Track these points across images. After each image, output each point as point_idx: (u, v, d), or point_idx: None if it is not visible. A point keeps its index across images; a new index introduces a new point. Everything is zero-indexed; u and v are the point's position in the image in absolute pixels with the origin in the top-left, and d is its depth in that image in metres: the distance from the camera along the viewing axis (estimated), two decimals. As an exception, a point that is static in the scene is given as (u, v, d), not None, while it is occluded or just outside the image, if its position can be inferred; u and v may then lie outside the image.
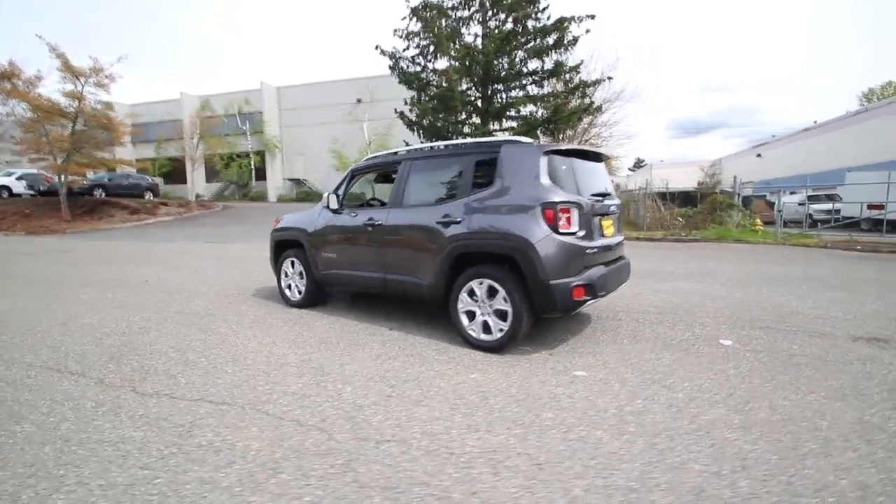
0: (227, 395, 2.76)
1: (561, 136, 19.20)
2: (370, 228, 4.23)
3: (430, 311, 4.79)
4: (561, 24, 17.25)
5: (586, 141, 26.56)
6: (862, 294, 5.67)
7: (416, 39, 18.60)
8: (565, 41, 17.51)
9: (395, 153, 4.37)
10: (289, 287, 5.17)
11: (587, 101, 18.11)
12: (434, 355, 3.47)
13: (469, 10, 19.22)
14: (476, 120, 19.78)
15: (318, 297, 5.01)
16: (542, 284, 3.22)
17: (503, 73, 18.32)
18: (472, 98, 18.92)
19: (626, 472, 1.97)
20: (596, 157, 3.91)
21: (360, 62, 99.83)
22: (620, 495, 1.81)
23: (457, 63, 16.64)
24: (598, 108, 18.93)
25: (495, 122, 19.39)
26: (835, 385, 2.89)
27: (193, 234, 15.90)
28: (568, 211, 3.27)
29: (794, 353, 3.52)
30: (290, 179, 34.01)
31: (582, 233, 3.38)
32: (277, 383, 2.96)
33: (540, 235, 3.23)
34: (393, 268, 4.11)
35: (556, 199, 3.28)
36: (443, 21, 17.27)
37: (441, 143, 4.07)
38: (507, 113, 19.62)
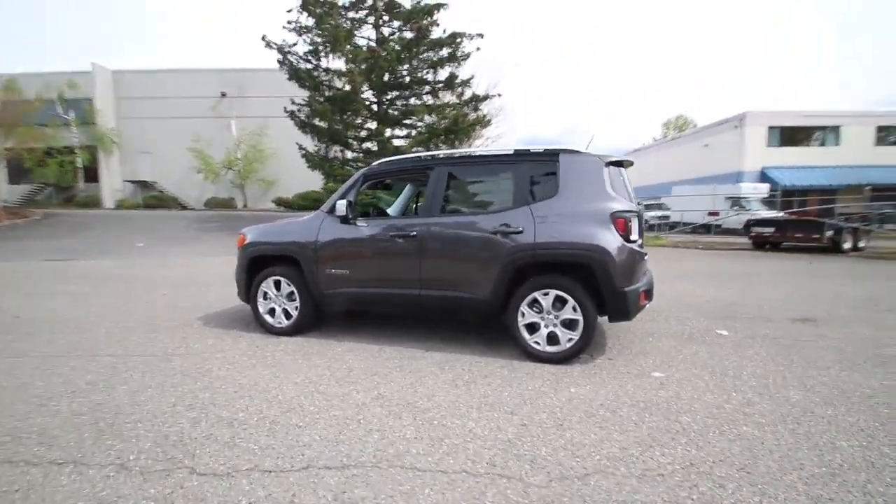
0: (343, 456, 2.20)
1: (458, 146, 19.94)
2: (401, 240, 3.80)
3: (449, 327, 4.51)
4: (454, 39, 17.95)
5: (468, 151, 27.89)
6: (760, 285, 7.13)
7: (310, 36, 17.43)
8: (458, 55, 18.27)
9: (421, 157, 4.01)
10: (271, 312, 4.33)
11: (480, 114, 19.14)
12: (508, 374, 3.28)
13: (359, 12, 18.75)
14: (372, 125, 19.36)
15: (311, 321, 4.30)
16: (616, 292, 3.30)
17: (405, 79, 18.30)
18: (370, 103, 18.47)
19: (808, 448, 2.14)
20: (626, 164, 4.14)
21: (223, 53, 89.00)
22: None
23: (358, 65, 16.06)
24: (489, 122, 20.13)
25: (394, 128, 19.24)
26: (840, 357, 3.59)
27: (19, 249, 12.24)
28: (632, 220, 3.42)
29: (776, 337, 4.25)
30: (133, 182, 28.63)
31: (641, 240, 3.57)
32: (382, 430, 2.46)
33: (615, 244, 3.31)
34: (432, 283, 3.75)
35: (624, 208, 3.41)
36: (337, 20, 16.51)
37: (484, 150, 3.87)
38: (405, 121, 19.65)
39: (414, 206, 5.35)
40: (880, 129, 24.76)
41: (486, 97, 19.45)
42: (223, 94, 27.72)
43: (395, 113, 19.47)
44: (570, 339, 3.42)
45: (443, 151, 3.92)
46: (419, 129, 19.45)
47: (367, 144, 19.44)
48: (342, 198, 4.06)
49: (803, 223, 13.34)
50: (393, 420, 2.57)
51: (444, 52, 18.27)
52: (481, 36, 17.97)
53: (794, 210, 17.12)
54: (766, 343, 4.06)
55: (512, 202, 3.61)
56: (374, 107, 18.83)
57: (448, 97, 20.36)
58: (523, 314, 3.52)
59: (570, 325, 3.43)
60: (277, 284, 4.29)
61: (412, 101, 18.87)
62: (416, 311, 4.31)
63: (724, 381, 3.16)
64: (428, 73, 18.56)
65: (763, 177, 24.85)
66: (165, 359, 3.62)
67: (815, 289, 7.04)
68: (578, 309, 3.37)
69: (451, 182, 3.83)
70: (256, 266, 4.39)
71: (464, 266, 3.65)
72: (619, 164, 3.66)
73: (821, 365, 3.49)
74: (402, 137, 19.41)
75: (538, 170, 3.60)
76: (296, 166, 23.16)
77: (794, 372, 3.34)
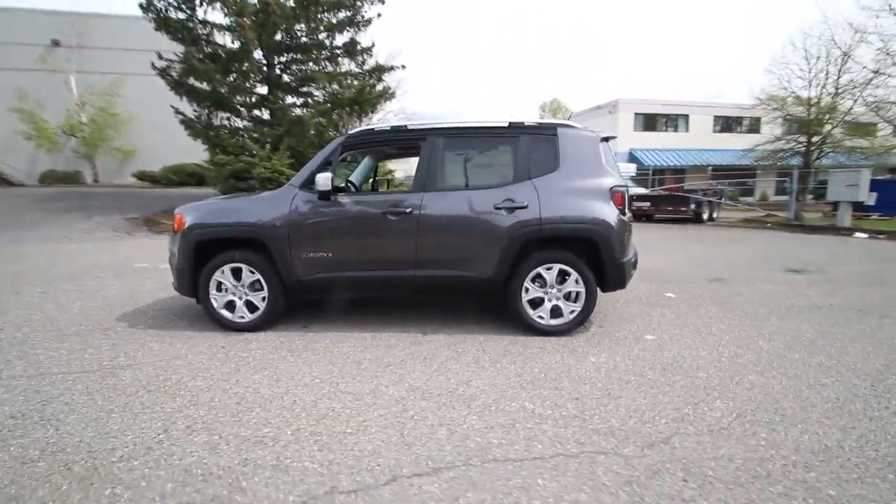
0: (426, 460, 1.96)
1: (363, 118, 19.00)
2: (394, 217, 3.47)
3: (432, 307, 4.32)
4: (354, 1, 16.84)
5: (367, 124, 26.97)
6: (658, 252, 8.17)
7: (183, -22, 14.79)
8: (358, 20, 17.22)
9: (410, 127, 3.65)
10: (229, 305, 3.67)
11: (385, 85, 18.39)
12: (524, 350, 3.26)
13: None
14: (262, 90, 17.42)
15: (281, 312, 3.76)
16: (616, 263, 3.47)
17: (301, 41, 16.66)
18: (262, 65, 16.50)
19: (807, 388, 2.52)
20: (610, 140, 4.25)
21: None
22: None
23: (247, 19, 14.11)
24: (393, 95, 19.47)
25: (291, 96, 17.55)
26: (767, 310, 4.28)
27: None
28: (626, 194, 3.58)
29: (709, 296, 4.92)
30: (-78, 149, 22.07)
31: (629, 213, 3.77)
32: (446, 424, 2.25)
33: (614, 218, 3.45)
34: (429, 262, 3.52)
35: (619, 183, 3.55)
36: (218, -37, 14.21)
37: (480, 121, 3.66)
38: (302, 88, 18.06)
39: (371, 180, 4.95)
40: (716, 118, 29.93)
41: (390, 68, 18.70)
42: (56, 43, 22.37)
43: (291, 79, 17.74)
44: (572, 311, 3.52)
45: (435, 122, 3.63)
46: (317, 98, 18.05)
47: (258, 112, 17.48)
48: (321, 170, 3.56)
49: (673, 198, 15.59)
50: (448, 411, 2.38)
51: (343, 14, 17.04)
52: (382, 1, 17.10)
53: (665, 186, 19.92)
54: (707, 302, 4.67)
55: (513, 176, 3.52)
56: (266, 70, 16.90)
57: (348, 65, 19.15)
58: (527, 290, 3.51)
59: (571, 297, 3.52)
60: (237, 273, 3.63)
61: (311, 66, 17.32)
62: (410, 294, 4.03)
63: (706, 338, 3.55)
64: (328, 37, 17.16)
65: (631, 157, 28.36)
66: (110, 373, 2.85)
67: (702, 253, 8.30)
68: (581, 281, 3.47)
69: (447, 155, 3.59)
70: (206, 252, 3.65)
71: (464, 243, 3.49)
72: (607, 139, 3.79)
73: (760, 317, 4.13)
74: (299, 106, 17.83)
75: (537, 144, 3.55)
76: (163, 134, 19.88)
77: (747, 324, 3.90)
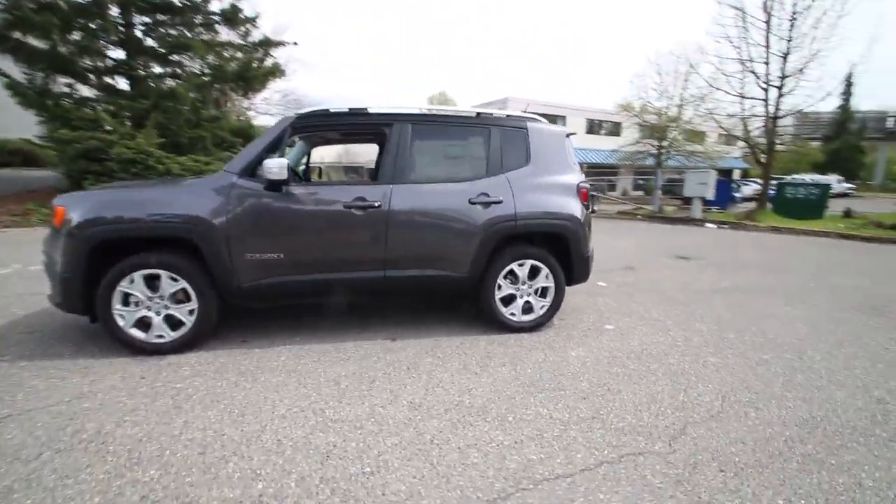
0: (473, 490, 1.72)
1: (250, 96, 17.08)
2: (360, 212, 3.06)
3: (388, 309, 3.97)
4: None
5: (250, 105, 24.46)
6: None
7: None
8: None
9: (369, 111, 3.22)
10: (141, 323, 2.90)
11: (275, 62, 16.75)
12: (504, 349, 3.15)
13: None
14: (119, 54, 14.61)
15: (213, 328, 3.09)
16: (583, 257, 3.54)
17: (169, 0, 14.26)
18: (119, 23, 13.79)
19: (780, 364, 2.86)
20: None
21: None
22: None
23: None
24: (283, 72, 17.85)
25: (159, 65, 15.01)
26: (686, 295, 4.82)
27: None
28: (589, 190, 3.66)
29: (633, 283, 5.39)
30: None
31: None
32: (473, 445, 2.02)
33: (581, 213, 3.50)
34: (400, 261, 3.19)
35: (583, 179, 3.61)
36: None
37: (450, 109, 3.37)
38: (171, 57, 15.59)
39: (303, 169, 4.36)
40: (588, 120, 33.40)
41: (279, 43, 17.07)
42: None
43: (157, 44, 15.13)
44: (542, 307, 3.51)
45: (401, 107, 3.26)
46: (193, 69, 15.74)
47: (112, 81, 14.64)
48: (267, 154, 2.98)
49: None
50: (467, 429, 2.15)
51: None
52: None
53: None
54: (633, 290, 5.09)
55: (486, 170, 3.36)
56: (123, 30, 14.14)
57: (228, 35, 16.99)
58: (500, 287, 3.41)
59: (541, 293, 3.51)
60: (152, 281, 2.88)
61: (183, 32, 14.94)
62: (380, 298, 3.63)
63: (654, 324, 3.83)
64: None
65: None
66: (-17, 433, 2.02)
67: (603, 243, 9.12)
68: (551, 276, 3.47)
69: (416, 144, 3.26)
70: (105, 256, 2.82)
71: (439, 240, 3.23)
72: (569, 135, 3.83)
73: (682, 301, 4.62)
74: (169, 76, 15.32)
75: (508, 137, 3.43)
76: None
77: (677, 308, 4.32)
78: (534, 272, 3.46)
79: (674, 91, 25.92)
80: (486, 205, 3.26)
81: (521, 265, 3.41)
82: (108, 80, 14.41)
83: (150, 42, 14.80)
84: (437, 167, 3.39)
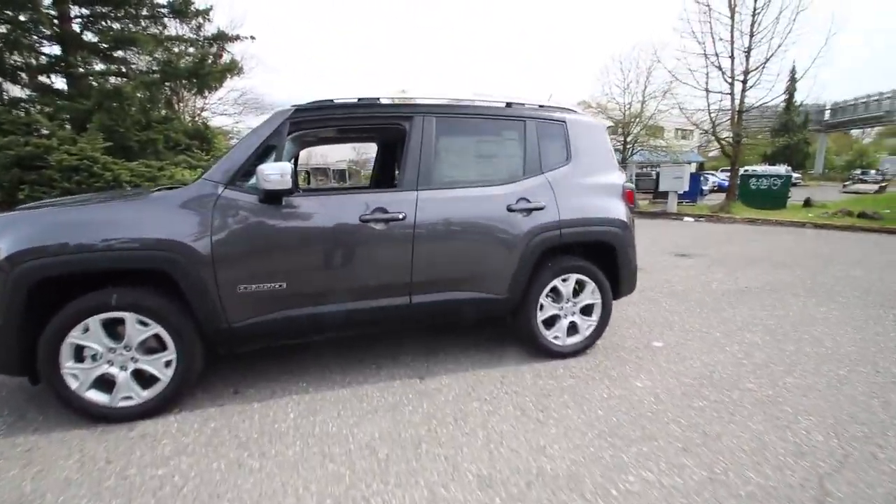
0: None
1: (205, 95, 15.86)
2: (380, 226, 2.47)
3: (404, 336, 3.38)
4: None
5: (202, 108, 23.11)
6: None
7: None
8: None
9: (382, 101, 2.63)
10: (102, 382, 2.21)
11: (232, 58, 15.62)
12: (556, 384, 2.66)
13: None
14: (53, 49, 13.20)
15: (194, 381, 2.43)
16: (631, 268, 3.11)
17: (112, -10, 12.94)
18: (53, 16, 12.39)
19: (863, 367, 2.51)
20: None
21: None
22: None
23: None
24: (241, 70, 16.71)
25: (101, 61, 13.65)
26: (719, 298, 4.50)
27: None
28: (633, 191, 3.23)
29: (664, 283, 5.04)
30: None
31: None
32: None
33: (629, 218, 3.06)
34: (430, 284, 2.63)
35: (626, 178, 3.17)
36: None
37: (479, 97, 2.82)
38: (115, 52, 14.24)
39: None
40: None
41: (235, 37, 15.93)
42: None
43: (97, 39, 13.73)
44: (589, 327, 3.05)
45: (420, 96, 2.69)
46: (138, 67, 14.44)
47: (49, 79, 13.22)
48: (263, 157, 2.35)
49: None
50: (568, 495, 1.63)
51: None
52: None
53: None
54: (656, 294, 4.73)
55: (523, 170, 2.84)
56: (58, 22, 12.72)
57: (178, 29, 15.72)
58: (542, 307, 2.91)
59: (587, 310, 3.05)
60: (114, 328, 2.20)
61: (128, 25, 13.62)
62: (403, 329, 3.07)
63: (703, 337, 3.45)
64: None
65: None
66: None
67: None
68: (598, 292, 3.01)
69: (442, 140, 2.70)
70: (48, 297, 2.12)
71: (474, 257, 2.69)
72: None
73: (712, 306, 4.28)
74: (114, 74, 13.97)
75: (545, 131, 2.93)
76: None
77: (712, 315, 3.97)
78: (578, 288, 2.99)
79: (636, 87, 26.41)
80: (527, 212, 2.75)
81: (564, 280, 2.93)
82: (43, 78, 12.96)
83: (89, 36, 13.42)
84: (467, 168, 2.85)
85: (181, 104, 18.11)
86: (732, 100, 16.20)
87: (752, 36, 15.77)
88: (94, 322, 2.15)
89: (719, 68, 16.18)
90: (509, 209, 2.71)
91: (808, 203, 16.64)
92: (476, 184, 2.74)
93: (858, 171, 41.40)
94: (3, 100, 11.66)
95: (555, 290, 2.93)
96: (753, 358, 3.04)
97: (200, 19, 15.29)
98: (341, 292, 2.49)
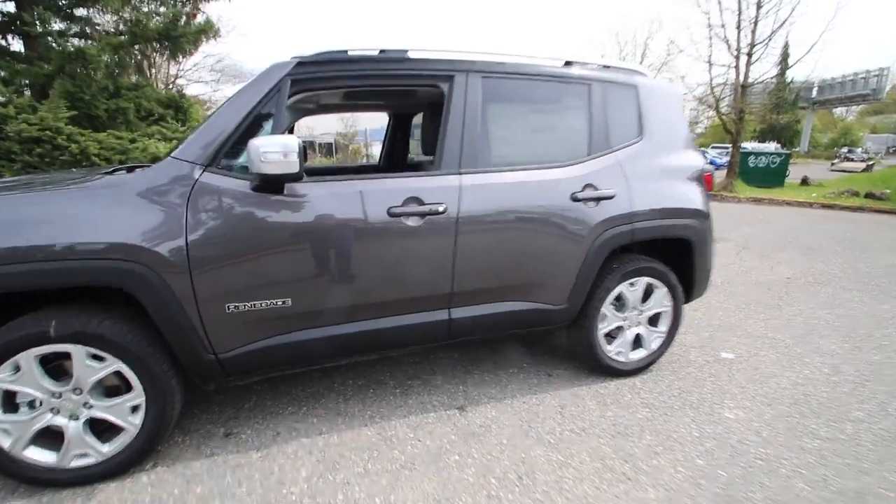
0: None
1: (178, 59, 14.62)
2: (413, 222, 1.88)
3: (418, 353, 2.83)
4: None
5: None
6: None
7: None
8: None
9: (410, 55, 1.98)
10: (47, 437, 1.63)
11: (207, 19, 14.36)
12: (629, 414, 2.15)
13: None
14: (6, 7, 11.89)
15: (173, 423, 1.84)
16: (707, 267, 2.59)
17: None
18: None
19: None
20: None
21: None
22: None
23: None
24: (218, 32, 15.43)
25: (61, 21, 12.37)
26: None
27: None
28: (711, 175, 2.67)
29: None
30: None
31: None
32: None
33: (708, 208, 2.51)
34: (474, 295, 2.06)
35: (704, 158, 2.60)
36: None
37: (532, 56, 2.18)
38: (79, 11, 12.93)
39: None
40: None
41: (212, -4, 14.60)
42: None
43: (56, -7, 12.38)
44: (656, 339, 2.54)
45: (458, 50, 2.04)
46: (105, 27, 13.19)
47: (2, 40, 11.97)
48: (256, 127, 1.72)
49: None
50: None
51: None
52: None
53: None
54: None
55: (588, 148, 2.25)
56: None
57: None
58: (604, 317, 2.38)
59: (654, 320, 2.53)
60: (57, 365, 1.60)
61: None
62: (440, 347, 2.52)
63: (774, 345, 2.98)
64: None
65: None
66: None
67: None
68: (670, 297, 2.49)
69: (490, 108, 2.08)
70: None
71: (530, 258, 2.12)
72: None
73: (766, 304, 3.82)
74: (75, 35, 12.70)
75: (613, 98, 2.32)
76: None
77: (772, 316, 3.51)
78: (646, 293, 2.45)
79: (633, 61, 25.61)
80: (596, 201, 2.17)
81: (632, 285, 2.39)
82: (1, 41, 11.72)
83: (46, -9, 12.08)
84: (521, 144, 2.23)
85: (153, 70, 16.81)
86: (737, 73, 15.61)
87: (759, 7, 15.09)
88: (28, 359, 1.55)
89: (725, 40, 15.51)
90: (574, 198, 2.13)
91: (805, 182, 16.40)
92: (532, 165, 2.14)
93: (845, 149, 41.56)
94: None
95: (619, 296, 2.39)
96: (843, 374, 2.58)
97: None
98: (362, 308, 1.91)
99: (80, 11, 12.76)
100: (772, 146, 33.55)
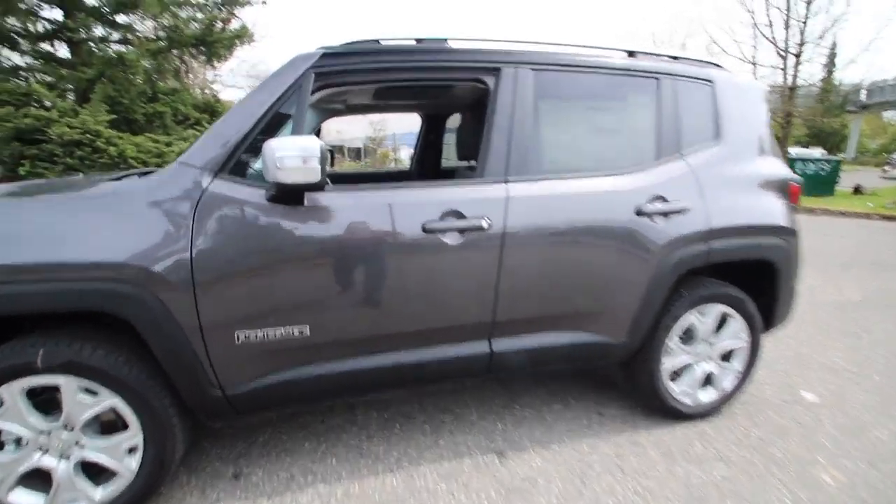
0: None
1: (214, 64, 14.90)
2: (452, 239, 1.60)
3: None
4: None
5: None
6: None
7: None
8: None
9: (451, 45, 1.72)
10: (34, 479, 1.43)
11: (242, 24, 14.58)
12: (704, 474, 1.81)
13: None
14: (54, 14, 12.34)
15: (175, 465, 1.62)
16: (791, 293, 2.21)
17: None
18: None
19: None
20: None
21: None
22: None
23: None
24: (252, 37, 15.66)
25: (104, 27, 12.76)
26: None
27: None
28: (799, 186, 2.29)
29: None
30: None
31: None
32: None
33: (795, 225, 2.14)
34: (520, 325, 1.77)
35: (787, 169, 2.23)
36: None
37: (591, 46, 1.89)
38: (118, 17, 13.32)
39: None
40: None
41: (246, 2, 14.84)
42: None
43: (100, 2, 12.80)
44: (729, 376, 2.18)
45: (505, 39, 1.76)
46: (143, 34, 13.51)
47: (49, 46, 12.42)
48: (272, 130, 1.49)
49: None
50: None
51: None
52: None
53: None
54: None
55: (655, 152, 1.92)
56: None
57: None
58: (670, 351, 2.03)
59: (727, 354, 2.17)
60: (45, 399, 1.40)
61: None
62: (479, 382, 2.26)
63: (863, 380, 2.55)
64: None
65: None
66: None
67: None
68: (747, 329, 2.12)
69: (542, 106, 1.79)
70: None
71: (586, 282, 1.82)
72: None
73: (839, 328, 3.36)
74: (117, 42, 13.08)
75: (685, 95, 1.98)
76: None
77: (851, 343, 3.06)
78: (719, 324, 2.10)
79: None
80: (665, 215, 1.84)
81: (702, 314, 2.04)
82: (45, 45, 12.16)
83: (92, 0, 12.51)
84: (577, 148, 1.93)
85: (190, 75, 17.24)
86: (785, 75, 14.77)
87: (809, 3, 14.24)
88: (11, 392, 1.35)
89: (772, 40, 14.70)
90: (639, 212, 1.81)
91: (858, 190, 15.31)
92: (590, 172, 1.83)
93: (895, 156, 39.13)
94: (1, 68, 10.89)
95: (687, 327, 2.05)
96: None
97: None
98: (389, 338, 1.64)
99: (122, 18, 13.13)
100: (817, 152, 31.85)
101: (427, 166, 3.14)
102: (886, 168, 29.77)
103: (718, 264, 1.99)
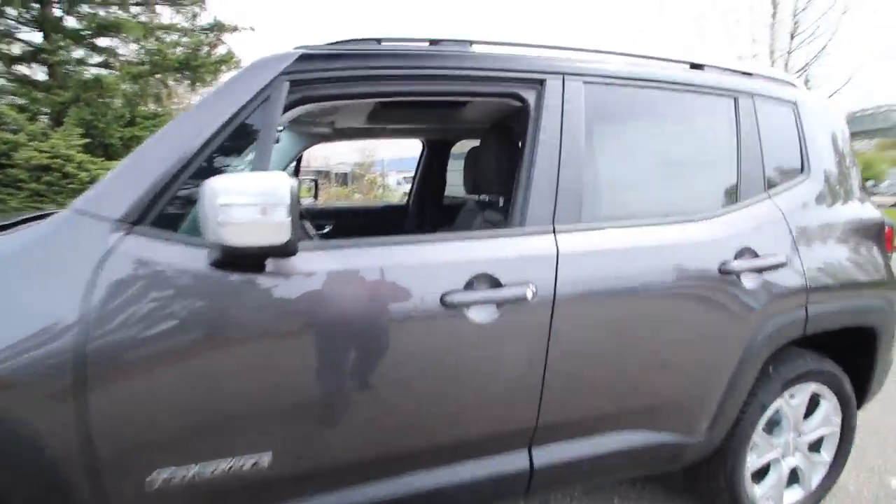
0: None
1: (197, 89, 14.52)
2: (479, 318, 1.11)
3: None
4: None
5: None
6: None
7: None
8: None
9: (475, 51, 1.28)
10: None
11: (226, 49, 14.30)
12: None
13: None
14: (34, 35, 11.89)
15: None
16: (888, 363, 1.77)
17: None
18: (30, -2, 11.05)
19: None
20: None
21: None
22: None
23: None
24: (238, 63, 15.36)
25: (84, 49, 12.35)
26: None
27: None
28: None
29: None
30: None
31: None
32: None
33: (893, 278, 1.71)
34: (568, 428, 1.28)
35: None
36: None
37: (655, 56, 1.46)
38: (99, 40, 12.93)
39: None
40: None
41: (234, 28, 14.60)
42: None
43: (81, 25, 12.40)
44: (819, 471, 1.71)
45: (546, 44, 1.33)
46: (126, 57, 13.13)
47: (25, 68, 11.96)
48: (219, 158, 1.02)
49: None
50: None
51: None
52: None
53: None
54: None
55: (737, 190, 1.49)
56: (39, 6, 11.41)
57: (171, 17, 14.41)
58: (755, 447, 1.55)
59: (817, 443, 1.70)
60: None
61: (116, 11, 12.31)
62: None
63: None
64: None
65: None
66: None
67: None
68: (839, 411, 1.67)
69: (596, 130, 1.35)
70: None
71: (658, 366, 1.35)
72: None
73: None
74: (96, 65, 12.66)
75: (766, 117, 1.57)
76: None
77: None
78: (810, 406, 1.64)
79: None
80: (757, 273, 1.39)
81: (791, 396, 1.58)
82: (20, 67, 11.69)
83: (71, 21, 12.14)
84: (640, 186, 1.49)
85: (173, 99, 16.84)
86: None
87: (792, 38, 14.67)
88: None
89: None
90: (724, 270, 1.35)
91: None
92: (659, 218, 1.38)
93: (871, 183, 40.60)
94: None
95: (779, 414, 1.58)
96: None
97: (196, 7, 14.01)
98: (391, 462, 1.13)
99: (105, 42, 12.79)
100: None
101: (427, 199, 2.68)
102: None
103: (815, 334, 1.53)
